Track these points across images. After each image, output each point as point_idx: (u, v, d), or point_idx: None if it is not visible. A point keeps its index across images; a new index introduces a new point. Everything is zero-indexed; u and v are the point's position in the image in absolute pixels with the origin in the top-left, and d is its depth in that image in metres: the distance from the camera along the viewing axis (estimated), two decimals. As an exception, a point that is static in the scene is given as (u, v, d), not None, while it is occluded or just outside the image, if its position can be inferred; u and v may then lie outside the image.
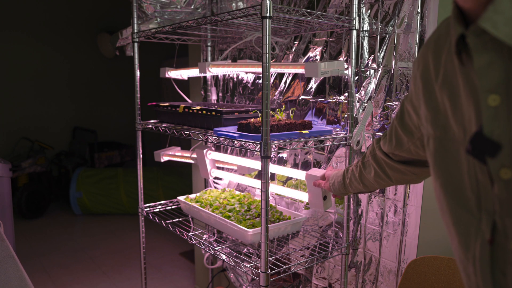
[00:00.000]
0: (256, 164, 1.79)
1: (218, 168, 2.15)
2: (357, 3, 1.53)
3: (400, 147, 0.94)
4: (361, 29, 1.56)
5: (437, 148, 0.69)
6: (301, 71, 1.56)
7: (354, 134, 1.51)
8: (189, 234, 1.79)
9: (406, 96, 0.86)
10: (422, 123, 0.76)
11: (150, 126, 1.96)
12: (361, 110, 1.58)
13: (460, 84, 0.62)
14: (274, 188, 1.78)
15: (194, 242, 1.75)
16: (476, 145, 0.56)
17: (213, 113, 1.67)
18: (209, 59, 2.36)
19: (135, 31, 1.96)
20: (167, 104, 1.95)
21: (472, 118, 0.59)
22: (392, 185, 1.16)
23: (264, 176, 1.32)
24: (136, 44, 1.97)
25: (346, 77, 1.55)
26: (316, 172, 1.50)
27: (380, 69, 1.52)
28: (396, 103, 1.47)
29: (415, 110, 0.80)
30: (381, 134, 1.53)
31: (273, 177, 1.96)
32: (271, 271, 1.39)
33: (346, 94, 1.63)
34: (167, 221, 1.93)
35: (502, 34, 0.49)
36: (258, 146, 1.32)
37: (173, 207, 2.16)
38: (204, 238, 2.13)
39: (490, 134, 0.53)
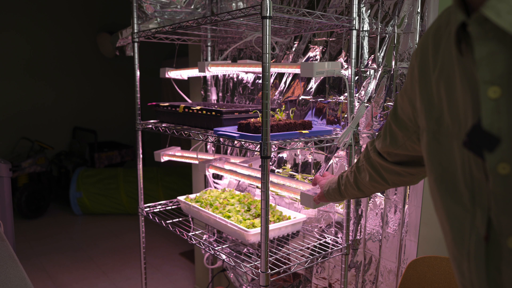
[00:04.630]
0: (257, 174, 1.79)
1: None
2: (357, 3, 1.53)
3: (395, 143, 0.91)
4: (361, 29, 1.56)
5: (430, 141, 0.68)
6: (297, 71, 1.56)
7: (342, 135, 1.50)
8: (189, 234, 1.79)
9: (400, 90, 0.84)
10: (418, 115, 0.74)
11: (150, 126, 1.96)
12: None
13: (456, 75, 0.60)
14: (275, 179, 1.77)
15: (194, 242, 1.75)
16: (474, 138, 0.54)
17: (213, 113, 1.67)
18: (209, 59, 2.36)
19: (135, 31, 1.96)
20: (167, 104, 1.95)
21: (468, 110, 0.58)
22: (389, 188, 1.12)
23: (264, 176, 1.32)
24: (136, 44, 1.97)
25: (344, 77, 1.55)
26: (310, 192, 1.48)
27: (380, 69, 1.52)
28: (396, 103, 1.47)
29: (411, 103, 0.78)
30: (381, 134, 1.53)
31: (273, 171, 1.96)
32: (271, 271, 1.39)
33: (346, 94, 1.63)
34: (167, 221, 1.93)
35: (506, 23, 0.47)
36: (258, 146, 1.32)
37: (173, 207, 2.16)
38: (204, 238, 2.13)
39: (490, 127, 0.51)
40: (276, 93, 1.97)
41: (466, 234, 0.60)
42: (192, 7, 2.20)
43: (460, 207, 0.61)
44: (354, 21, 1.52)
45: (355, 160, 1.59)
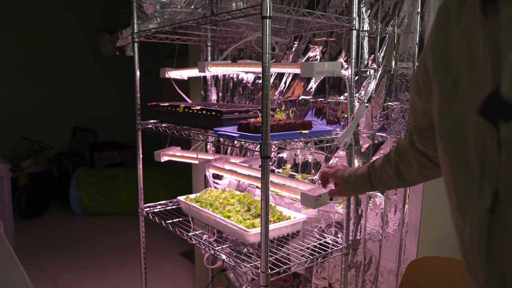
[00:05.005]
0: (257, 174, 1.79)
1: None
2: (357, 3, 1.53)
3: (417, 114, 0.85)
4: (361, 29, 1.56)
5: (442, 106, 0.65)
6: (297, 71, 1.56)
7: (342, 135, 1.50)
8: (189, 234, 1.79)
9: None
10: (431, 77, 0.71)
11: (150, 126, 1.96)
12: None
13: (479, 38, 0.57)
14: (275, 179, 1.77)
15: (194, 242, 1.75)
16: (490, 106, 0.51)
17: (213, 113, 1.67)
18: (209, 59, 2.36)
19: (135, 31, 1.96)
20: (167, 104, 1.95)
21: (488, 76, 0.54)
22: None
23: (264, 176, 1.32)
24: (136, 44, 1.97)
25: (344, 77, 1.55)
26: (311, 192, 1.47)
27: (380, 69, 1.52)
28: (396, 103, 1.47)
29: (425, 64, 0.74)
30: (381, 134, 1.53)
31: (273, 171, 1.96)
32: (271, 271, 1.39)
33: (346, 94, 1.63)
34: (167, 221, 1.93)
35: None
36: (258, 146, 1.32)
37: (173, 207, 2.16)
38: (204, 238, 2.13)
39: (509, 95, 0.48)
40: (276, 93, 1.97)
41: (471, 205, 0.58)
42: (192, 7, 2.20)
43: (468, 176, 0.59)
44: (354, 21, 1.52)
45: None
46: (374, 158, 1.56)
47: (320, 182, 1.40)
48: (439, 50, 0.67)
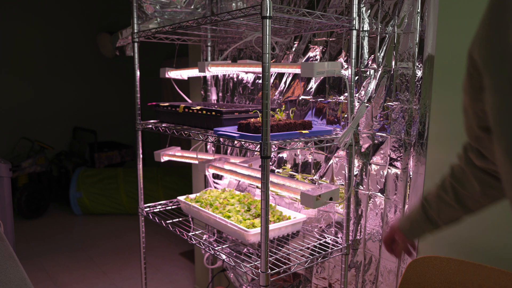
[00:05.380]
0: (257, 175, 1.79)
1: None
2: (357, 3, 1.53)
3: (468, 117, 0.74)
4: (361, 29, 1.56)
5: (497, 103, 0.57)
6: (297, 71, 1.56)
7: (342, 135, 1.50)
8: (189, 234, 1.79)
9: None
10: (482, 70, 0.62)
11: (150, 126, 1.96)
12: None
13: None
14: (275, 179, 1.77)
15: (194, 242, 1.75)
16: None
17: (213, 113, 1.67)
18: (209, 59, 2.36)
19: (135, 31, 1.96)
20: (167, 104, 1.95)
21: None
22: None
23: (264, 176, 1.32)
24: (136, 44, 1.97)
25: (344, 77, 1.55)
26: (310, 192, 1.47)
27: (380, 69, 1.52)
28: (396, 103, 1.47)
29: (471, 56, 0.66)
30: (381, 134, 1.53)
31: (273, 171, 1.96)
32: (271, 271, 1.39)
33: (346, 94, 1.63)
34: (167, 221, 1.93)
35: None
36: (258, 146, 1.32)
37: (173, 207, 2.16)
38: (204, 238, 2.13)
39: None
40: (276, 93, 1.97)
41: None
42: (192, 7, 2.20)
43: None
44: (354, 21, 1.52)
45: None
46: (374, 159, 1.56)
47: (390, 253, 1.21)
48: (489, 38, 0.59)
